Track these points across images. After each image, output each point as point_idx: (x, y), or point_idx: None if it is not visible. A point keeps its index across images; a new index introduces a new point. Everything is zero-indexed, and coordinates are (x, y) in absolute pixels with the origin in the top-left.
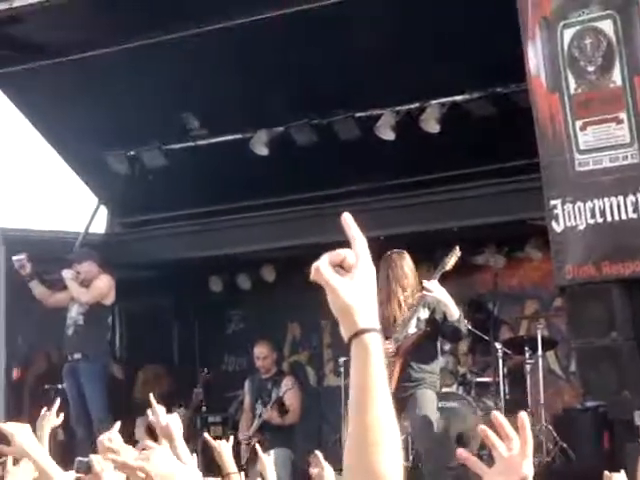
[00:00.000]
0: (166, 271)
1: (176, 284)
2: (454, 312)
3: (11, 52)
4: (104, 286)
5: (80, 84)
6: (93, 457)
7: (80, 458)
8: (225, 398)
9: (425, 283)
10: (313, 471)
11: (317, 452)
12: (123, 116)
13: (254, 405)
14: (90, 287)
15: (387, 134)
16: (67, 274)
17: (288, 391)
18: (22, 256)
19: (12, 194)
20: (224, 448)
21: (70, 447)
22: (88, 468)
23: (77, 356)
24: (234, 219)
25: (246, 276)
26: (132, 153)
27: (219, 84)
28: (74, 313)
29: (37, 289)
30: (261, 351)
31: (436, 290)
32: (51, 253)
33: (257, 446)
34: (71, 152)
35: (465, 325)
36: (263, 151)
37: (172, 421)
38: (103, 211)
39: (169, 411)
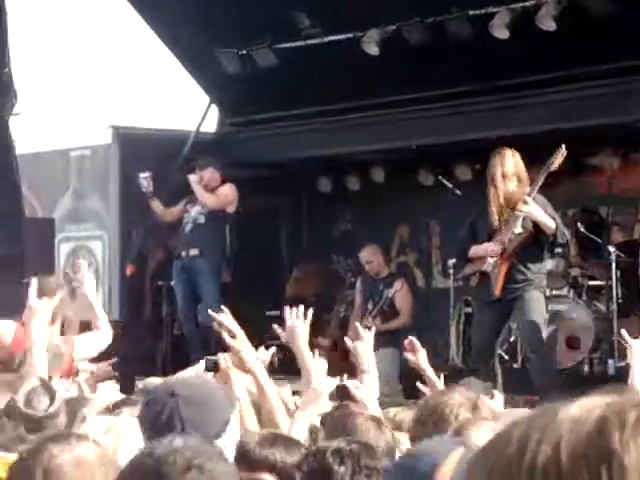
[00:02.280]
0: (275, 171)
1: (285, 184)
2: (550, 225)
3: None
4: (230, 194)
5: None
6: (220, 355)
7: (208, 357)
8: (333, 297)
9: (519, 205)
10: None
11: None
12: (235, 15)
13: (365, 305)
14: (216, 193)
15: (502, 32)
16: (193, 178)
17: (397, 293)
18: (147, 174)
19: (124, 92)
20: (360, 347)
21: (180, 343)
22: (215, 365)
23: (194, 252)
24: (344, 119)
25: (355, 177)
26: (244, 52)
27: None
28: (194, 213)
29: (156, 206)
30: (364, 256)
31: (529, 208)
32: (163, 151)
33: (357, 325)
34: (183, 51)
35: (563, 235)
36: (374, 50)
37: (299, 325)
38: (214, 110)
39: (323, 309)
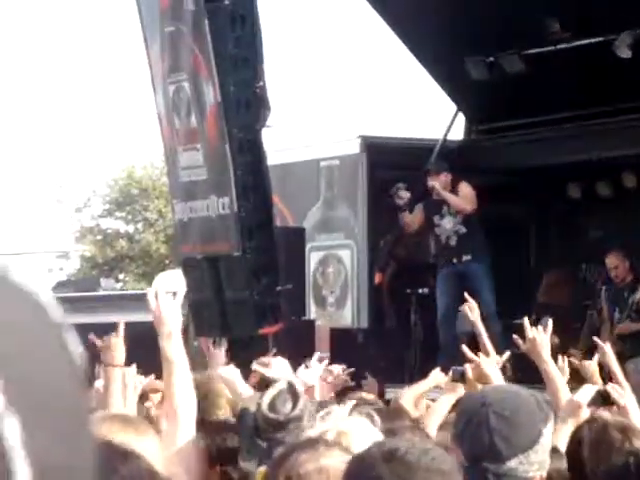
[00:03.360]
0: (523, 178)
1: (533, 191)
2: None
3: None
4: (470, 191)
5: None
6: (467, 366)
7: (455, 367)
8: (584, 307)
9: None
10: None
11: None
12: (482, 22)
13: (612, 314)
14: (459, 195)
15: None
16: (436, 184)
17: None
18: (402, 185)
19: (372, 102)
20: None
21: (429, 351)
22: (462, 376)
23: (467, 258)
24: (594, 124)
25: (606, 182)
26: (491, 59)
27: None
28: (449, 225)
29: (406, 218)
30: (611, 261)
31: None
32: (410, 160)
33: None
34: (431, 59)
35: None
36: (627, 53)
37: (539, 340)
38: (461, 118)
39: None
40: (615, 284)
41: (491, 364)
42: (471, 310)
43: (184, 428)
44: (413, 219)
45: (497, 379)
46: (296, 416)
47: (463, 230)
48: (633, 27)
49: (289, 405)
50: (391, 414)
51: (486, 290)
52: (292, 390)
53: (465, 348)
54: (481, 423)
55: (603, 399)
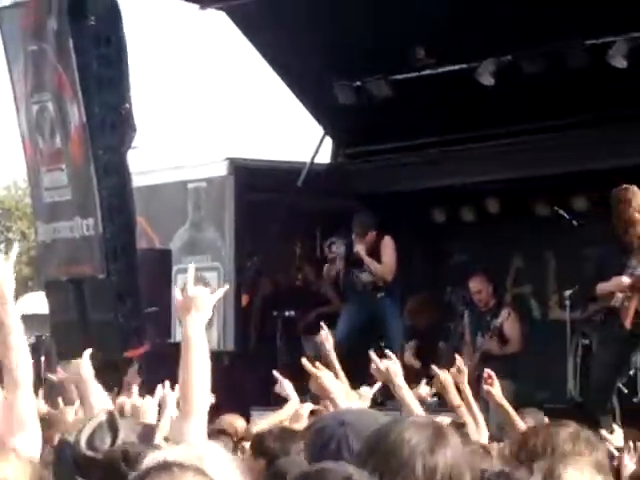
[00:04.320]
0: (389, 202)
1: (398, 215)
2: None
3: None
4: (393, 249)
5: (308, 14)
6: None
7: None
8: (447, 329)
9: None
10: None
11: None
12: (349, 47)
13: (474, 337)
14: (383, 263)
15: (619, 62)
16: (360, 250)
17: (505, 321)
18: (334, 239)
19: (240, 125)
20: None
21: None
22: None
23: (380, 294)
24: (458, 150)
25: (470, 208)
26: (358, 84)
27: (445, 13)
28: (368, 279)
29: (330, 271)
30: (474, 285)
31: None
32: (278, 183)
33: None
34: (298, 83)
35: None
36: (489, 81)
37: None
38: (328, 141)
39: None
40: (478, 308)
41: (331, 378)
42: (326, 340)
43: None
44: (333, 271)
45: (338, 393)
46: (115, 456)
47: (380, 283)
48: (495, 54)
49: (108, 440)
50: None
51: (395, 325)
52: (112, 423)
53: (305, 362)
54: (341, 443)
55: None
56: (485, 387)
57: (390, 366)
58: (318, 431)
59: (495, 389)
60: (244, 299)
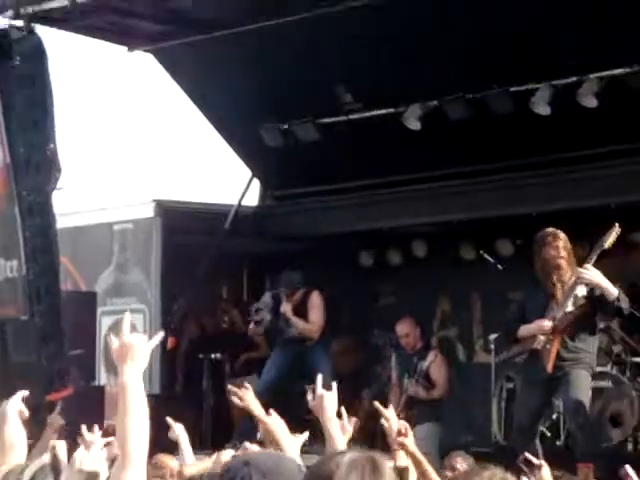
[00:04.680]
0: (317, 244)
1: (326, 258)
2: (613, 291)
3: (169, 26)
4: (320, 306)
5: (235, 58)
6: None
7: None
8: (374, 372)
9: (577, 271)
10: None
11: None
12: (277, 90)
13: (401, 380)
14: (309, 317)
15: (543, 109)
16: (287, 311)
17: (432, 364)
18: (261, 306)
19: (167, 167)
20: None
21: (226, 414)
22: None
23: (310, 343)
24: (386, 194)
25: (397, 251)
26: (285, 127)
27: (372, 58)
28: (296, 332)
29: (256, 332)
30: (401, 329)
31: (590, 274)
32: (205, 225)
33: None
34: (225, 125)
35: (627, 302)
36: (416, 125)
37: (327, 398)
38: (256, 184)
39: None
40: (406, 351)
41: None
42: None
43: None
44: (258, 332)
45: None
46: None
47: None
48: (421, 99)
49: None
50: None
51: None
52: (55, 464)
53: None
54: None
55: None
56: (399, 439)
57: (326, 396)
58: (225, 472)
59: (409, 440)
60: (170, 342)
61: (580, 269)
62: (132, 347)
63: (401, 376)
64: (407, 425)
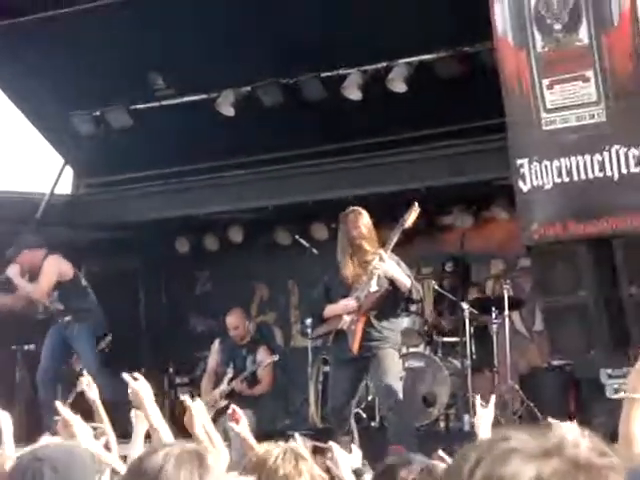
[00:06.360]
0: (132, 232)
1: (142, 245)
2: (405, 282)
3: None
4: (51, 272)
5: (45, 44)
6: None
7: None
8: (193, 359)
9: (372, 265)
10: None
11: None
12: (88, 76)
13: (223, 367)
14: (38, 280)
15: (354, 94)
16: (12, 272)
17: (261, 364)
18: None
19: None
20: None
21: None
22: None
23: (68, 319)
24: (201, 180)
25: (213, 237)
26: (97, 113)
27: (185, 43)
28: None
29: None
30: (231, 321)
31: (384, 266)
32: (15, 214)
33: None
34: (36, 112)
35: (418, 292)
36: (229, 111)
37: (141, 386)
38: (69, 172)
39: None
40: (232, 341)
41: (80, 425)
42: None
43: None
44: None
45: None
46: None
47: (61, 307)
48: (234, 85)
49: None
50: None
51: (88, 350)
52: None
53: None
54: (35, 477)
55: None
56: (231, 424)
57: (141, 388)
58: (15, 468)
59: (241, 426)
60: None
61: (374, 262)
62: None
63: (225, 364)
64: (238, 409)
